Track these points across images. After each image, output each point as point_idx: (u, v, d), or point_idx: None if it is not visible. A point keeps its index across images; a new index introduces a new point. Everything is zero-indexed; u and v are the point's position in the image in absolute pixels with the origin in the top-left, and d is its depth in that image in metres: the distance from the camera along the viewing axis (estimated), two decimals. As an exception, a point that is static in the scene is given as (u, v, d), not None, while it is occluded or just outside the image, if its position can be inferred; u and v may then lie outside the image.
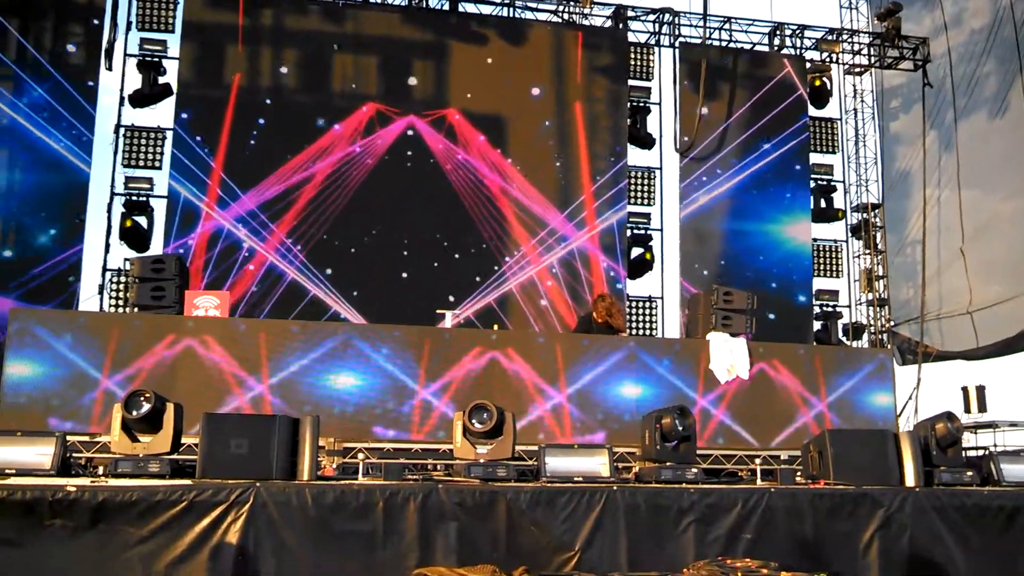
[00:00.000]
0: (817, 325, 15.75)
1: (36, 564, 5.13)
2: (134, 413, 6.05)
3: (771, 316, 14.46)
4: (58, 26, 13.24)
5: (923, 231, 15.72)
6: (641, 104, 15.50)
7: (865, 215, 16.80)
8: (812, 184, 15.98)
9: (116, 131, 13.60)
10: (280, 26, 14.08)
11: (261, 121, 13.74)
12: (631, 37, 15.58)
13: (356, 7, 14.45)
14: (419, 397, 8.62)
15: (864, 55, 16.64)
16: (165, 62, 13.82)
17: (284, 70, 14.02)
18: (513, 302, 14.06)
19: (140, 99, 13.71)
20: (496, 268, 14.08)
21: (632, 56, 15.45)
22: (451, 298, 11.87)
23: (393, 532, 5.70)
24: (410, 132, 14.24)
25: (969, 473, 7.11)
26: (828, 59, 16.54)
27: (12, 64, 12.99)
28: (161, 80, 13.78)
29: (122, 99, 13.74)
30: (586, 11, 15.29)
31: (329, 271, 13.51)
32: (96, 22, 13.34)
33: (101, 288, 13.20)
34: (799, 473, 7.41)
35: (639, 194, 15.21)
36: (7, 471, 5.56)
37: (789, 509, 6.39)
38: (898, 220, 17.03)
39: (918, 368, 15.05)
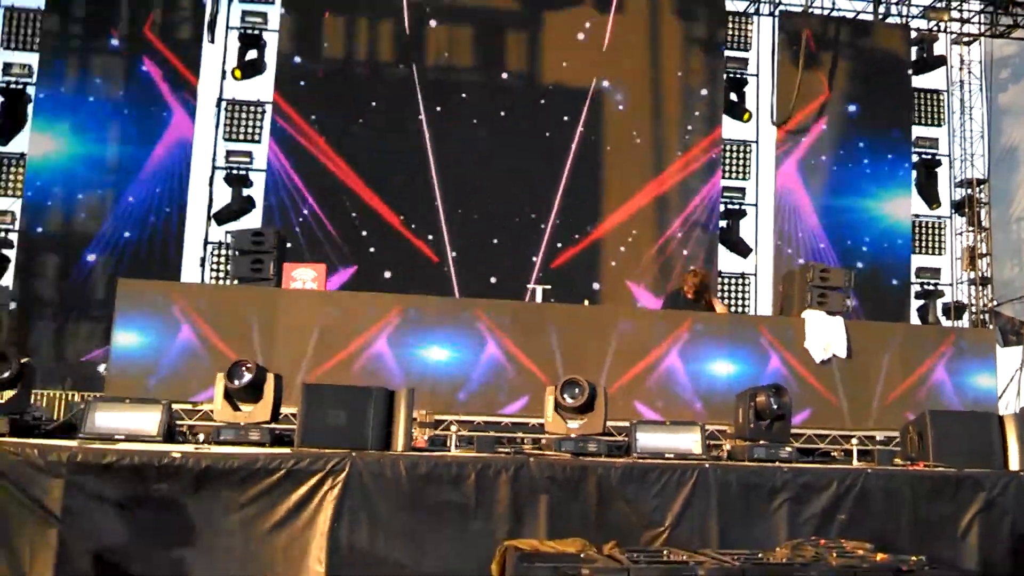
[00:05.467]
0: (917, 304, 15.33)
1: (145, 525, 5.34)
2: (236, 383, 6.22)
3: (868, 294, 14.11)
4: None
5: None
6: (738, 76, 15.20)
7: (969, 191, 16.22)
8: (915, 158, 15.52)
9: (218, 104, 13.91)
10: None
11: (359, 93, 13.92)
12: (728, 6, 15.29)
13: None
14: (512, 371, 8.66)
15: (974, 23, 16.02)
16: (265, 35, 14.07)
17: (379, 42, 14.16)
18: (603, 275, 14.05)
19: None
20: (585, 238, 14.09)
21: (730, 26, 15.15)
22: (540, 274, 11.98)
23: (485, 503, 5.75)
24: (502, 102, 14.26)
25: (1077, 457, 6.85)
26: (936, 28, 15.97)
27: (118, 40, 13.42)
28: (256, 54, 14.05)
29: (223, 72, 14.03)
30: (683, -20, 15.02)
31: (431, 236, 13.73)
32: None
33: (203, 260, 13.58)
34: (897, 455, 7.24)
35: (734, 168, 14.97)
36: (116, 436, 5.79)
37: (886, 490, 6.23)
38: (1003, 196, 16.40)
39: (1022, 349, 14.53)
